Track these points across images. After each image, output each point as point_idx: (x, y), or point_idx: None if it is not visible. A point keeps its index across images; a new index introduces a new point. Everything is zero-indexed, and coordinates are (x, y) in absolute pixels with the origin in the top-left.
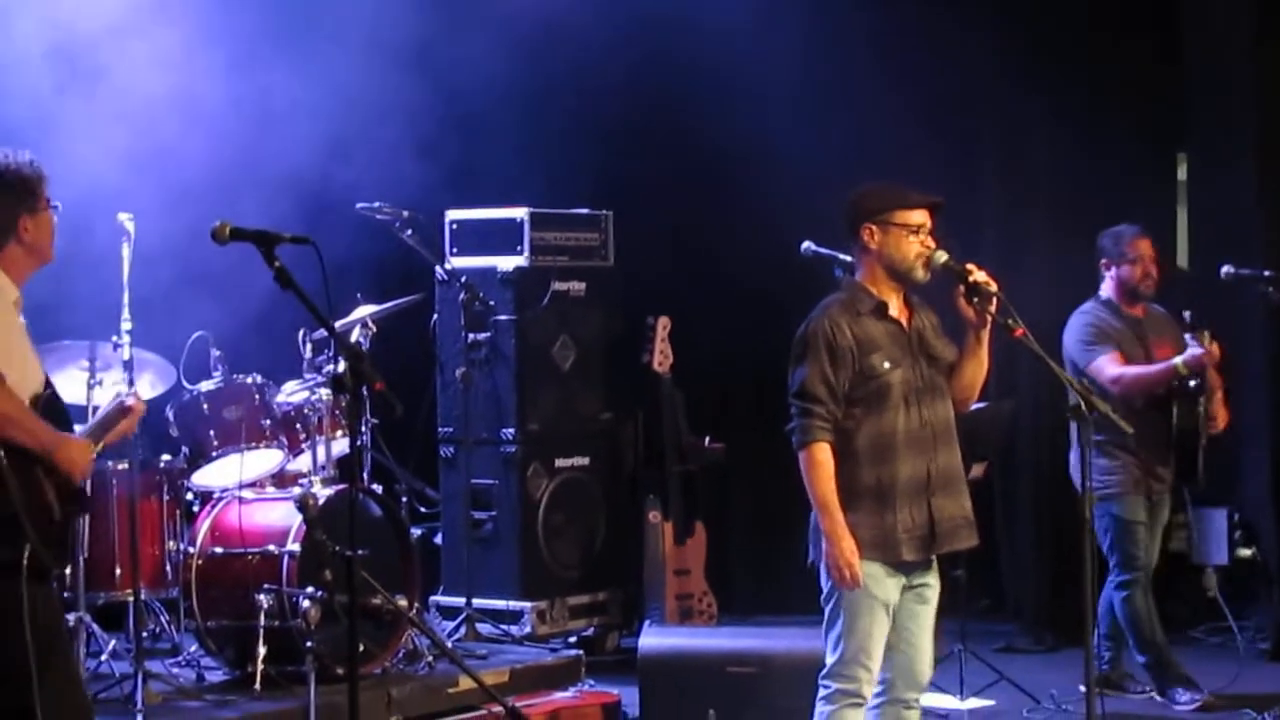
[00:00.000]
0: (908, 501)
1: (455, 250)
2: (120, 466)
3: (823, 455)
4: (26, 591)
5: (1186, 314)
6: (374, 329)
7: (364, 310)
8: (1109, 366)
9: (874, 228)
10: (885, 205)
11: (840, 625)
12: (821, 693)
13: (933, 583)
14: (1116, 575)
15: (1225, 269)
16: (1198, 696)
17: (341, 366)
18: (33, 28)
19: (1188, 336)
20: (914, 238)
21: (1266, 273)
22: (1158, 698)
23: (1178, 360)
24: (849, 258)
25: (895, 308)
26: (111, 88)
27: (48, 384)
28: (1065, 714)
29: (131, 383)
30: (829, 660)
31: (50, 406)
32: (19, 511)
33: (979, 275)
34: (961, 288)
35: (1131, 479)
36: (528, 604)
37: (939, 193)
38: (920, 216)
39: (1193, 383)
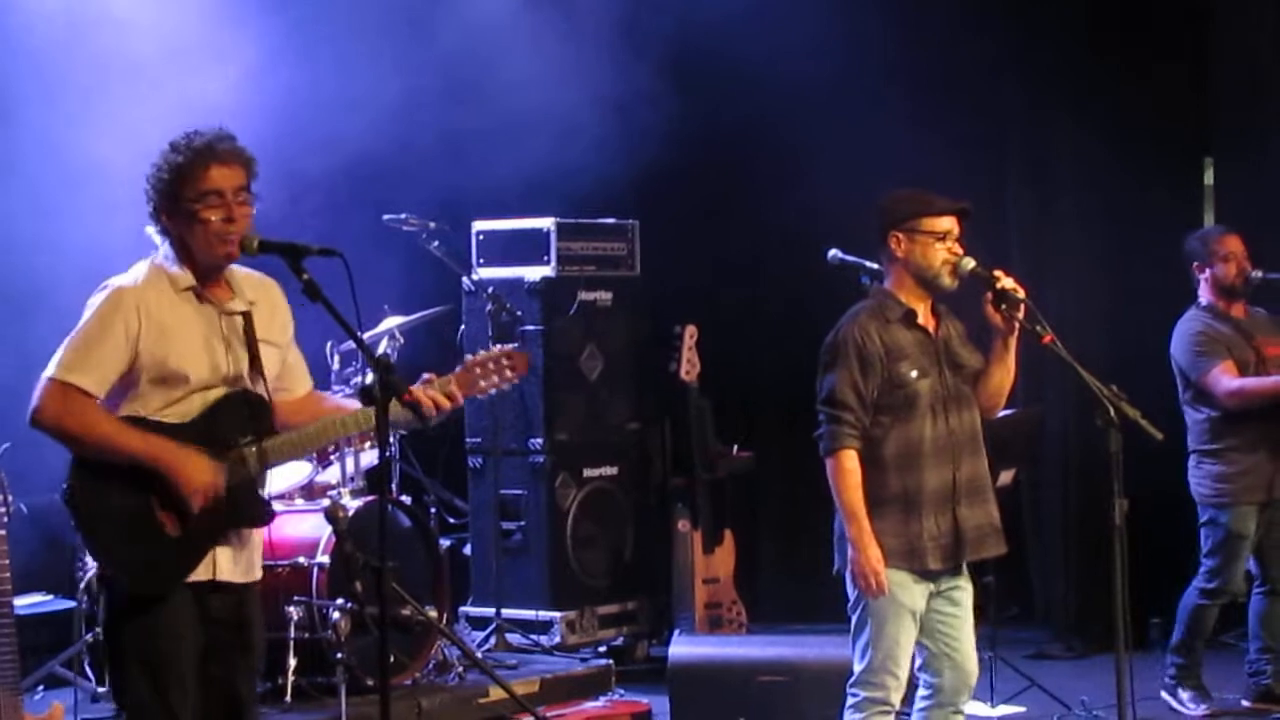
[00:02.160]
0: (933, 510)
1: (482, 261)
2: None
3: (850, 462)
4: (112, 616)
5: None
6: (401, 340)
7: (391, 321)
8: (1224, 379)
9: (901, 235)
10: (912, 213)
11: (867, 633)
12: (850, 701)
13: (964, 585)
14: (1203, 581)
15: (1254, 274)
16: (1208, 704)
17: (370, 378)
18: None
19: None
20: (940, 245)
21: None
22: (1164, 695)
23: None
24: (875, 265)
25: (923, 316)
26: (140, 93)
27: (237, 381)
28: None
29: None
30: (856, 668)
31: (231, 407)
32: (92, 535)
33: (1007, 281)
34: (989, 294)
35: (1244, 488)
36: (557, 614)
37: (967, 195)
38: (947, 223)
39: None
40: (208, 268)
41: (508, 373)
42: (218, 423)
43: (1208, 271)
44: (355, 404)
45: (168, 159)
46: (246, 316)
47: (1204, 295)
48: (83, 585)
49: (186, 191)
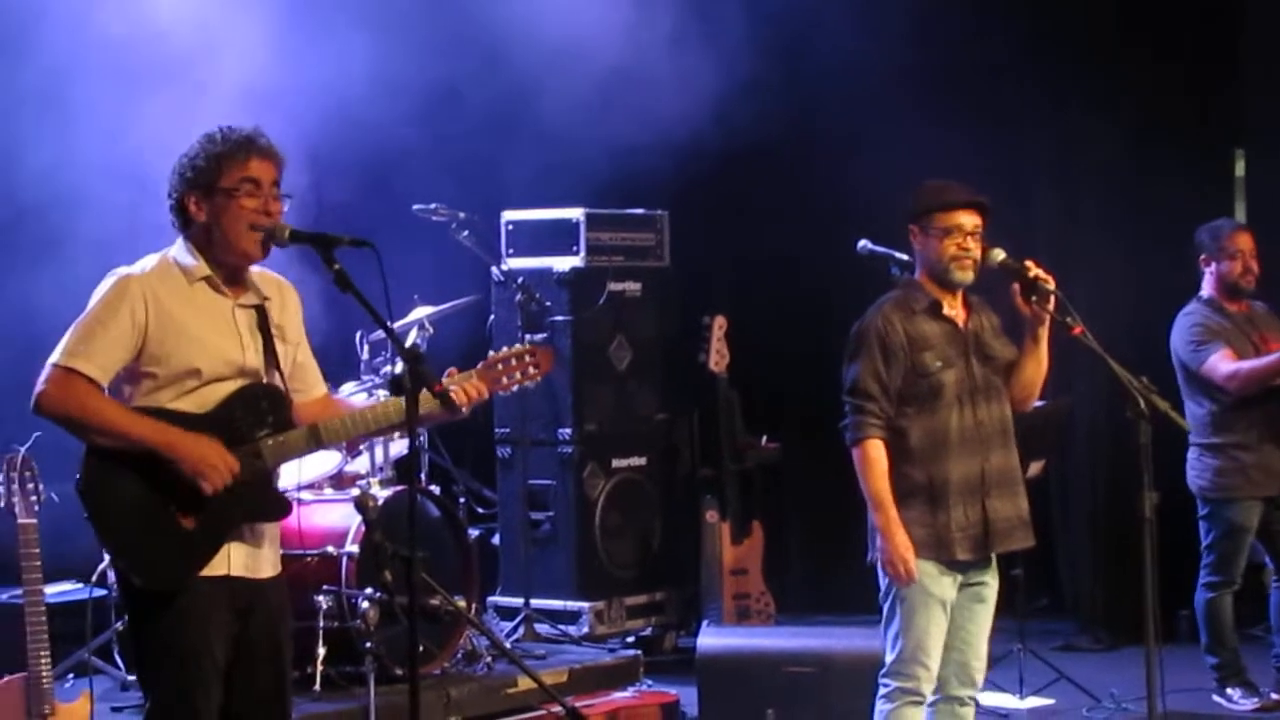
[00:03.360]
0: (961, 501)
1: (511, 251)
2: None
3: (875, 452)
4: (134, 609)
5: None
6: (431, 330)
7: (421, 311)
8: (1222, 364)
9: (917, 228)
10: (925, 206)
11: (898, 623)
12: (881, 691)
13: (991, 581)
14: (1206, 575)
15: None
16: (1256, 698)
17: (400, 368)
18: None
19: None
20: (949, 240)
21: None
22: (1215, 698)
23: None
24: (905, 256)
25: (950, 307)
26: (162, 83)
27: (252, 374)
28: (1125, 713)
29: None
30: (888, 659)
31: (247, 400)
32: (103, 527)
33: (1037, 271)
34: (1018, 285)
35: (1248, 481)
36: (585, 604)
37: (993, 190)
38: (960, 217)
39: None
40: (236, 261)
41: (531, 370)
42: (234, 415)
43: (1214, 265)
44: (350, 403)
45: (206, 148)
46: (261, 310)
47: (1206, 288)
48: (98, 573)
49: (225, 180)
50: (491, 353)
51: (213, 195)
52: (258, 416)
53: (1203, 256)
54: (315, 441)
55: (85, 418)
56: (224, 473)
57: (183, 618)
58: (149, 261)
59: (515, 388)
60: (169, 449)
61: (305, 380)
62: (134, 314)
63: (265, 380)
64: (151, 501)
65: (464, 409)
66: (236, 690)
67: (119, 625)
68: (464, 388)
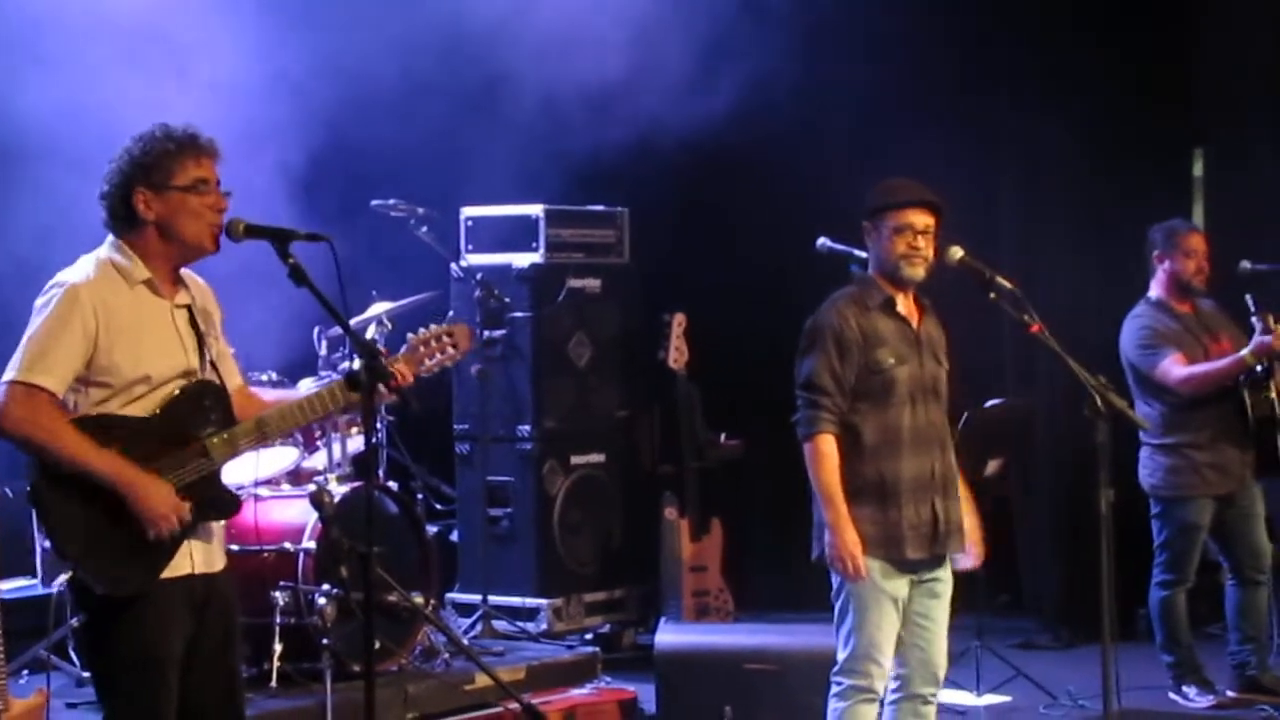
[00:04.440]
0: (913, 499)
1: (471, 247)
2: None
3: (827, 447)
4: (94, 614)
5: (1249, 298)
6: (390, 326)
7: (380, 307)
8: (1175, 368)
9: (870, 225)
10: (878, 204)
11: (850, 621)
12: (834, 689)
13: (944, 576)
14: (1159, 574)
15: (1243, 264)
16: (1213, 696)
17: (357, 363)
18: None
19: (1254, 319)
20: (899, 238)
21: None
22: (1172, 695)
23: (1245, 352)
24: (864, 254)
25: (903, 305)
26: (122, 70)
27: (193, 374)
28: (1082, 710)
29: None
30: (840, 656)
31: (191, 400)
32: (60, 537)
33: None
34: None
35: (1201, 481)
36: (544, 601)
37: (956, 191)
38: (913, 216)
39: (1259, 368)
40: (190, 257)
41: (450, 349)
42: (180, 416)
43: (1167, 263)
44: (296, 394)
45: (154, 146)
46: (189, 310)
47: (1155, 289)
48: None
49: (179, 179)
50: (411, 335)
51: (165, 194)
52: (202, 415)
53: (1156, 254)
54: (260, 436)
55: (46, 445)
56: (173, 522)
57: (144, 623)
58: (88, 267)
59: (438, 368)
60: (126, 490)
61: (225, 371)
62: (85, 325)
63: (204, 377)
64: (108, 509)
65: (391, 396)
66: (191, 687)
67: (74, 621)
68: (397, 369)
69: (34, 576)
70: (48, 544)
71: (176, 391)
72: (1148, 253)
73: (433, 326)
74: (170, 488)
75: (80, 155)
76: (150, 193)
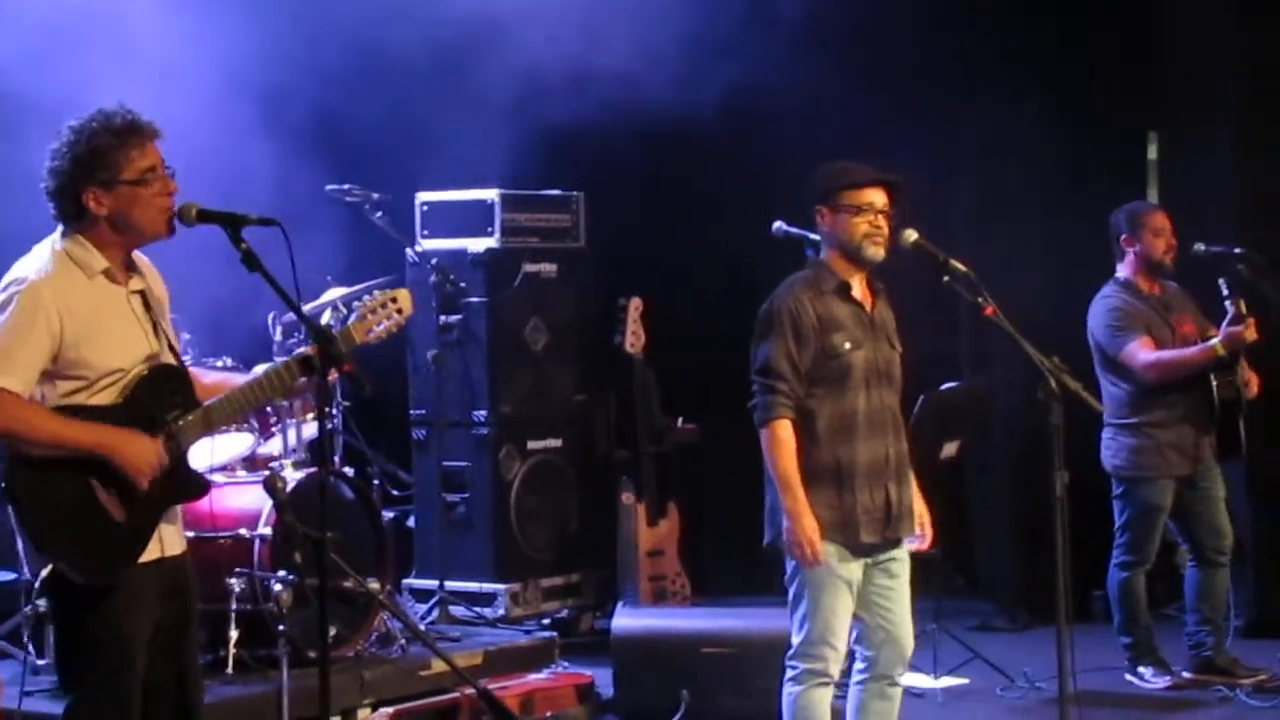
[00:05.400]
0: (868, 483)
1: (426, 232)
2: None
3: (785, 432)
4: (68, 603)
5: (1221, 282)
6: (345, 311)
7: (334, 293)
8: (1141, 353)
9: (825, 209)
10: (834, 185)
11: (805, 605)
12: (789, 674)
13: (900, 556)
14: (1120, 555)
15: (1196, 246)
16: (1169, 677)
17: (312, 349)
18: None
19: (1227, 303)
20: (861, 218)
21: (1237, 250)
22: (1128, 676)
23: (1215, 342)
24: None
25: (858, 290)
26: (73, 65)
27: (155, 358)
28: (1039, 692)
29: None
30: (795, 641)
31: (153, 384)
32: (32, 528)
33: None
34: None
35: (1163, 461)
36: (501, 586)
37: (913, 174)
38: (869, 195)
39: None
40: (145, 243)
41: (395, 315)
42: (144, 401)
43: (1136, 245)
44: (239, 378)
45: (98, 140)
46: (143, 294)
47: (1124, 270)
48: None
49: (128, 172)
50: (357, 303)
51: (115, 188)
52: (167, 398)
53: (1123, 238)
54: (208, 425)
55: (23, 432)
56: (157, 467)
57: (118, 608)
58: (45, 260)
59: (386, 334)
60: (108, 450)
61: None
62: (49, 324)
63: (165, 361)
64: (82, 499)
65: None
66: (152, 669)
67: (29, 609)
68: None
69: (14, 572)
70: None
71: (140, 377)
72: (1113, 237)
73: (377, 294)
74: (148, 438)
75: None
76: (100, 190)
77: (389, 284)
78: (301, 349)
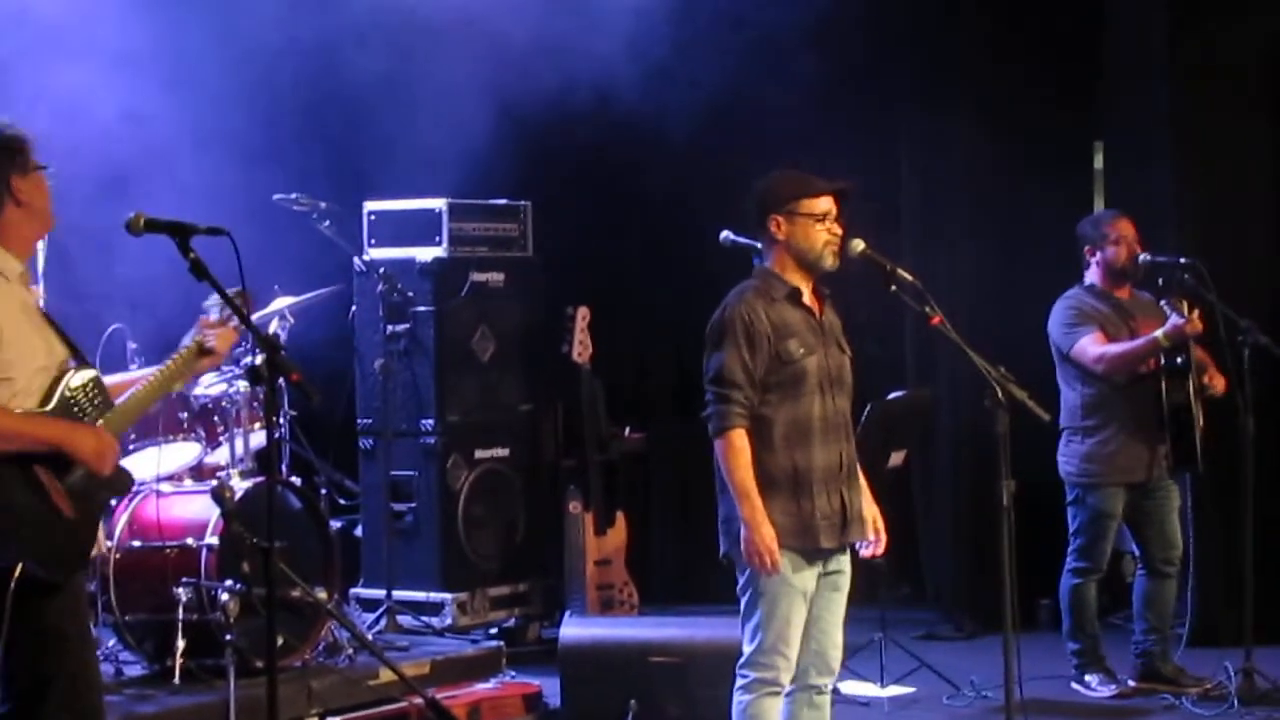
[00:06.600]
0: (824, 489)
1: (373, 241)
2: None
3: (740, 441)
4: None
5: (1160, 281)
6: (292, 320)
7: (282, 302)
8: (1091, 347)
9: (780, 219)
10: (790, 195)
11: (759, 615)
12: (739, 682)
13: (846, 569)
14: (1072, 561)
15: (1142, 256)
16: (1115, 685)
17: (259, 358)
18: None
19: (1163, 303)
20: (820, 226)
21: (1182, 260)
22: (1074, 685)
23: (1158, 332)
24: None
25: (807, 296)
26: (18, 77)
27: (77, 359)
28: (985, 700)
29: None
30: (746, 650)
31: (78, 386)
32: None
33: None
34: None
35: (1115, 469)
36: (448, 595)
37: (855, 182)
38: (825, 204)
39: (1179, 359)
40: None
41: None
42: (75, 401)
43: (1099, 254)
44: (141, 373)
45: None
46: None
47: (1090, 277)
48: None
49: (22, 181)
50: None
51: (11, 197)
52: (90, 398)
53: (1087, 247)
54: (135, 414)
55: None
56: (111, 451)
57: (61, 602)
58: None
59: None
60: (69, 443)
61: None
62: None
63: (80, 362)
64: (35, 499)
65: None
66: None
67: None
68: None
69: None
70: None
71: (61, 378)
72: (1079, 248)
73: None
74: (93, 427)
75: None
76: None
77: (336, 294)
78: (194, 334)
